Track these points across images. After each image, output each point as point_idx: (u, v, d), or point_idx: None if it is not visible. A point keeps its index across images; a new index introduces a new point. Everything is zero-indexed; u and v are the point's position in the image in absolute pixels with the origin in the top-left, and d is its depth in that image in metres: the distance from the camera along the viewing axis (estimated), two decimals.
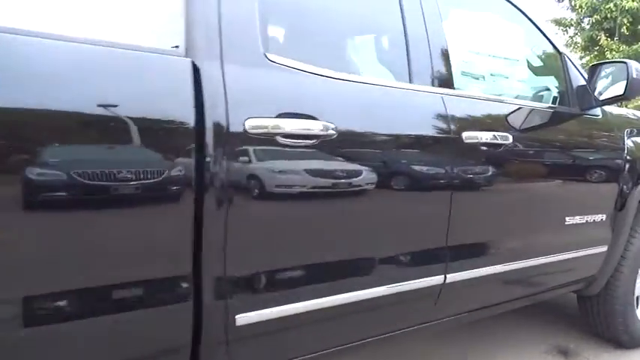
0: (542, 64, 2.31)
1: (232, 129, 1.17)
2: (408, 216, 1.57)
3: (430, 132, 1.62)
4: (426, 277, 1.61)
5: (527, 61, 2.24)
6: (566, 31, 14.48)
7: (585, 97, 2.17)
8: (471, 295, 1.84)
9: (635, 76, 1.97)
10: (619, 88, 2.04)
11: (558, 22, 14.20)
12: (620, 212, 2.27)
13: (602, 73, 2.15)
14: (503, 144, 1.79)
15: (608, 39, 12.77)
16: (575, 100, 2.17)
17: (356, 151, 1.42)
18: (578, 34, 14.22)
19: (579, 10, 13.38)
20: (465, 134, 1.66)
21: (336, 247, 1.40)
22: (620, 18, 12.45)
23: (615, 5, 12.34)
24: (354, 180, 1.42)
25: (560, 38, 14.14)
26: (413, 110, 1.59)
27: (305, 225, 1.34)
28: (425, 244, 1.62)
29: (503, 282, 1.92)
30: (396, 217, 1.53)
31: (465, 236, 1.72)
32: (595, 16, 12.89)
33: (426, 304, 1.69)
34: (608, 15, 12.58)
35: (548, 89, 2.27)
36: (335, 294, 1.39)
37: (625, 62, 2.03)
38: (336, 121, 1.34)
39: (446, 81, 1.70)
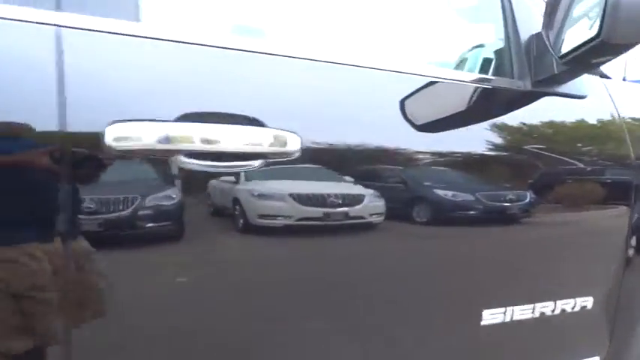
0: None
1: None
2: None
3: None
4: None
5: None
6: None
7: (543, 57, 1.06)
8: None
9: None
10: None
11: None
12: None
13: (576, 10, 1.03)
14: (281, 154, 0.77)
15: None
16: (525, 66, 1.08)
17: None
18: None
19: None
20: (112, 130, 0.67)
21: None
22: None
23: None
24: None
25: None
26: None
27: None
28: None
29: None
30: None
31: None
32: None
33: None
34: None
35: (481, 46, 1.20)
36: None
37: None
38: None
39: None
